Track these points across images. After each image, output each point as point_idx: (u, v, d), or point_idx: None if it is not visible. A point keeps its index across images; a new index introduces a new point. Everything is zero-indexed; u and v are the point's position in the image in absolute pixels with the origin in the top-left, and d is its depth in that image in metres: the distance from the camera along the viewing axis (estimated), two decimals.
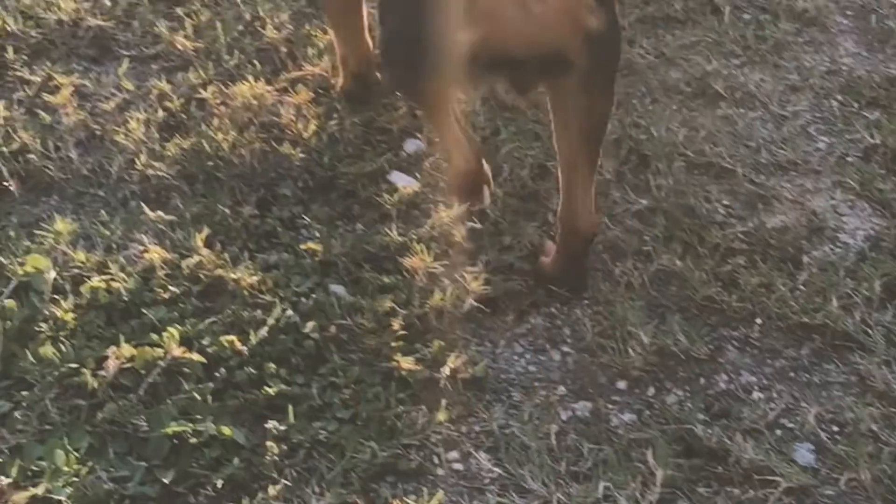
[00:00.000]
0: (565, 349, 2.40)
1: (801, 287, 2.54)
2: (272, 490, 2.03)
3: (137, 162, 2.74)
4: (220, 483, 2.04)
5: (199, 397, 2.16)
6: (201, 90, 2.97)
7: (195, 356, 2.22)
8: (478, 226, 2.60)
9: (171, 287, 2.39)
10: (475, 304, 2.43)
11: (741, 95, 3.11)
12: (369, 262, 2.51)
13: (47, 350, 2.21)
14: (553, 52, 1.40)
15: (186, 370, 2.21)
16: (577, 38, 1.46)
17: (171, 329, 2.25)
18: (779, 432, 2.24)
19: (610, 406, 2.28)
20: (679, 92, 3.10)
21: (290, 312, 2.35)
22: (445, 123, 2.11)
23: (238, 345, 2.26)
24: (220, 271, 2.43)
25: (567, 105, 1.62)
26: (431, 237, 2.56)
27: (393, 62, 1.97)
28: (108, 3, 3.27)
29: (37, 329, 2.27)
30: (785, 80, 3.19)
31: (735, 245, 2.64)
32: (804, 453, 2.20)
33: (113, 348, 2.20)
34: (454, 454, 2.16)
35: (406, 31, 1.65)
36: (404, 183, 2.73)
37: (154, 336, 2.24)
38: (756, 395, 2.32)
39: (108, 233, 2.53)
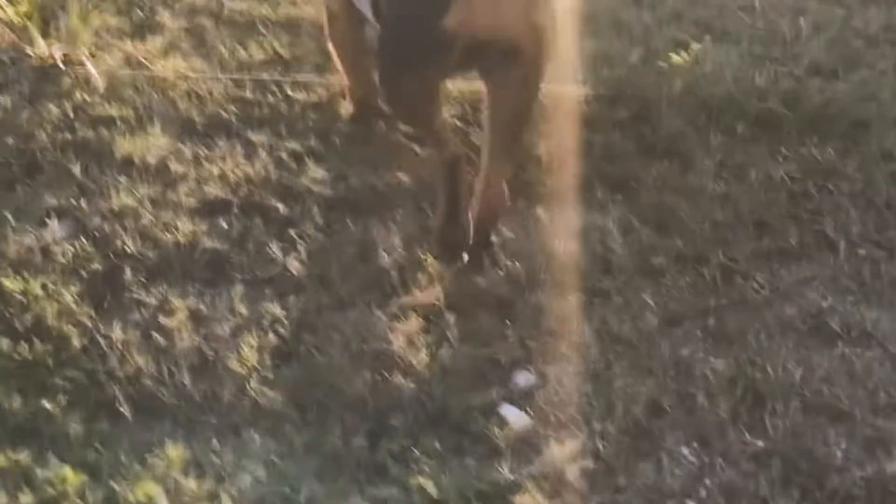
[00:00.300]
0: None
1: None
2: None
3: (249, 388, 2.77)
4: None
5: None
6: (313, 316, 3.01)
7: None
8: (590, 465, 2.58)
9: None
10: None
11: (858, 334, 3.08)
12: (480, 501, 2.49)
13: None
14: (511, 39, 1.55)
15: None
16: (529, 30, 1.66)
17: None
18: None
19: None
20: (794, 329, 3.08)
21: None
22: (431, 131, 2.18)
23: None
24: None
25: (506, 89, 1.75)
26: (543, 475, 2.54)
27: (387, 69, 2.08)
28: (224, 226, 3.34)
29: None
30: None
31: (854, 491, 2.59)
32: None
33: None
34: None
35: (401, 30, 1.79)
36: (515, 417, 2.72)
37: None
38: None
39: (218, 461, 2.54)
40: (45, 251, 3.18)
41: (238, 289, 3.11)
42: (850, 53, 4.52)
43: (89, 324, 2.92)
